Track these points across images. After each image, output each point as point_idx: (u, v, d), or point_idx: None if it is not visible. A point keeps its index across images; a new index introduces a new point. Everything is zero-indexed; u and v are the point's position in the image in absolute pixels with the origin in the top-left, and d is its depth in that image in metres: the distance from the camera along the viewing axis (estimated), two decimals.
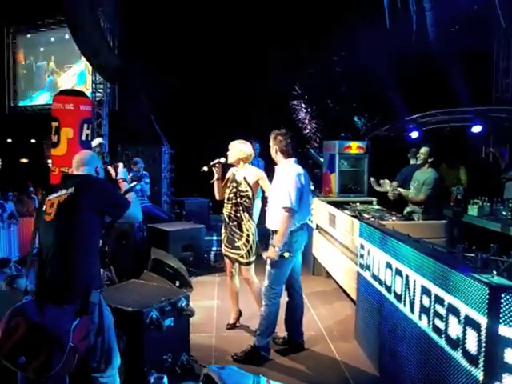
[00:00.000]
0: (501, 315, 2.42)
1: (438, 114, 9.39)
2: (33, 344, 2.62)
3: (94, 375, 2.88)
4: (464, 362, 2.69)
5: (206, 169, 4.89)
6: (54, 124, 8.69)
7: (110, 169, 3.25)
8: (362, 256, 4.61)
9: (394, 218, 5.54)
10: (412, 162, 7.35)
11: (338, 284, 6.06)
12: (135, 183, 3.36)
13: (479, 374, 2.53)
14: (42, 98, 12.36)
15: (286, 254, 4.28)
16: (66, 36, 10.99)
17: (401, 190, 6.15)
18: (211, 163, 4.86)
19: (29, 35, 12.90)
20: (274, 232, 4.36)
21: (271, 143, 4.55)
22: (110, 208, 2.95)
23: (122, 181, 3.23)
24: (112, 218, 3.03)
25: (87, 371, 2.86)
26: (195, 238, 7.49)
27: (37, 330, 2.63)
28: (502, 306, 2.42)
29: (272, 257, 4.27)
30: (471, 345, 2.62)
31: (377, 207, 6.67)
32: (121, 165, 3.36)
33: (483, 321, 2.52)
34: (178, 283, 5.94)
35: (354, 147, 7.60)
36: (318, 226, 6.94)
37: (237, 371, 3.46)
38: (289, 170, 4.39)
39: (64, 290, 2.74)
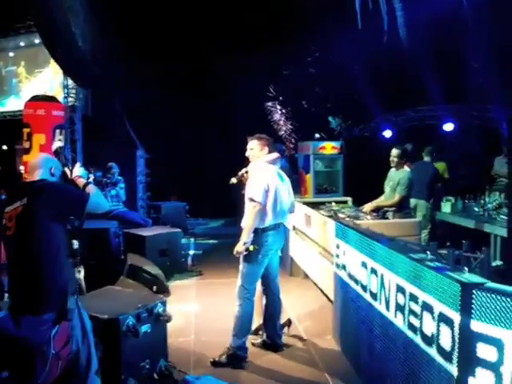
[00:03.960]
0: (473, 311, 2.46)
1: (411, 113, 9.54)
2: (14, 358, 2.58)
3: (74, 382, 2.84)
4: (439, 358, 2.72)
5: (234, 180, 4.75)
6: (26, 130, 8.57)
7: (66, 169, 3.20)
8: (337, 256, 4.63)
9: (368, 218, 5.60)
10: (426, 158, 7.69)
11: (315, 284, 6.09)
12: (92, 177, 3.30)
13: (453, 369, 2.57)
14: (12, 104, 12.14)
15: (251, 247, 4.32)
16: (36, 41, 10.82)
17: (374, 203, 6.09)
18: (239, 173, 4.71)
19: None
20: None
21: (258, 144, 4.54)
22: (67, 208, 2.86)
23: (77, 178, 3.15)
24: (76, 217, 2.98)
25: (70, 379, 2.81)
26: (172, 242, 7.45)
27: (16, 343, 2.59)
28: (473, 302, 2.45)
29: (239, 251, 4.32)
30: (445, 341, 2.65)
31: (352, 207, 6.73)
32: (77, 164, 3.31)
33: (456, 317, 2.56)
34: (155, 288, 5.89)
35: (329, 148, 7.67)
36: (294, 226, 6.96)
37: (213, 380, 3.45)
38: (260, 167, 4.46)
39: (38, 300, 2.70)
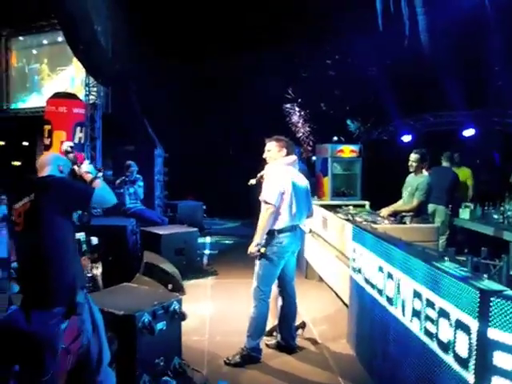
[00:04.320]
0: (490, 318, 2.43)
1: (430, 118, 9.46)
2: (24, 352, 2.62)
3: (89, 376, 2.86)
4: (455, 365, 2.70)
5: (253, 182, 4.81)
6: (47, 127, 8.71)
7: (75, 167, 3.24)
8: (354, 259, 4.62)
9: (386, 222, 5.56)
10: (445, 164, 7.57)
11: (330, 287, 6.07)
12: (101, 173, 3.33)
13: (470, 377, 2.55)
14: (34, 101, 12.30)
15: (263, 249, 4.34)
16: (59, 39, 10.96)
17: (391, 208, 6.07)
18: (258, 175, 4.74)
19: (21, 38, 12.86)
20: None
21: (276, 145, 4.54)
22: (73, 202, 2.91)
23: (85, 174, 3.18)
24: (82, 210, 3.03)
25: (82, 373, 2.84)
26: (188, 241, 7.48)
27: (26, 338, 2.63)
28: (491, 309, 2.43)
29: (252, 252, 4.35)
30: (462, 348, 2.63)
31: (369, 211, 6.69)
32: (86, 161, 3.35)
33: (474, 324, 2.53)
34: (170, 287, 5.91)
35: (347, 151, 7.64)
36: (310, 229, 6.94)
37: None
38: (275, 169, 4.45)
39: (47, 294, 2.74)
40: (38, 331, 2.63)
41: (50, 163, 3.06)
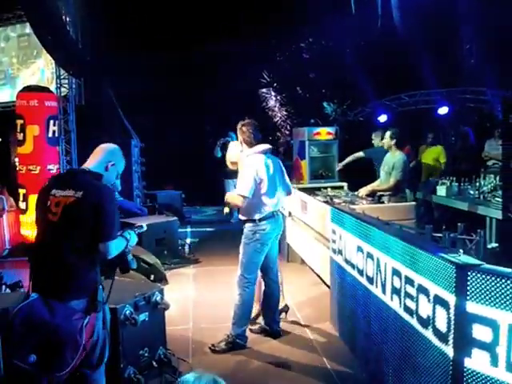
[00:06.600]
0: (468, 292, 2.47)
1: (406, 98, 9.52)
2: (45, 344, 2.57)
3: (85, 371, 2.80)
4: (435, 340, 2.74)
5: (227, 210, 5.07)
6: (19, 121, 8.52)
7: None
8: (334, 241, 4.65)
9: (364, 202, 5.61)
10: (376, 143, 7.38)
11: (312, 270, 6.11)
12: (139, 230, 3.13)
13: (450, 351, 2.59)
14: (5, 95, 12.02)
15: (226, 209, 4.85)
16: (27, 30, 10.71)
17: (369, 187, 6.18)
18: (219, 142, 4.98)
19: None
20: (244, 221, 4.48)
21: (238, 134, 4.61)
22: (94, 224, 2.69)
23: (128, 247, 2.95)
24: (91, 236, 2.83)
25: (83, 367, 2.80)
26: (169, 230, 7.46)
27: (49, 329, 2.57)
28: (468, 283, 2.47)
29: (228, 201, 4.60)
30: (441, 323, 2.67)
31: (347, 192, 6.74)
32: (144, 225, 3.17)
33: (451, 299, 2.57)
34: (152, 277, 5.89)
35: (324, 133, 7.66)
36: (290, 213, 6.97)
37: None
38: (249, 160, 4.45)
39: (70, 287, 2.68)
40: (61, 324, 2.58)
41: (102, 155, 2.93)
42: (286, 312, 5.09)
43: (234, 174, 4.94)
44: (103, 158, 2.93)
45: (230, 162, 4.98)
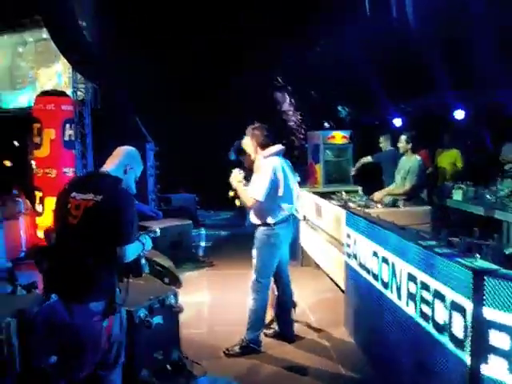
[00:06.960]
0: (485, 298, 2.44)
1: (420, 101, 9.46)
2: (66, 345, 2.59)
3: (102, 372, 2.82)
4: (451, 346, 2.71)
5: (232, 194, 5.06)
6: (36, 125, 8.64)
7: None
8: (348, 245, 4.62)
9: (379, 206, 5.57)
10: (384, 147, 7.36)
11: (326, 274, 6.09)
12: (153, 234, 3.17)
13: (466, 357, 2.56)
14: (23, 99, 12.18)
15: (231, 193, 4.76)
16: (44, 35, 10.83)
17: (384, 192, 6.14)
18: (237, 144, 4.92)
19: (5, 36, 12.70)
20: (257, 226, 4.44)
21: (249, 140, 4.52)
22: (112, 226, 2.71)
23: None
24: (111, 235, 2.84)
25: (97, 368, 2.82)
26: (183, 234, 7.49)
27: (70, 331, 2.59)
28: (485, 289, 2.44)
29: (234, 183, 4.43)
30: (457, 329, 2.64)
31: (362, 196, 6.70)
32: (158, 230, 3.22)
33: (468, 305, 2.54)
34: (166, 280, 5.91)
35: (338, 137, 7.63)
36: (304, 217, 6.95)
37: None
38: (267, 162, 4.39)
39: (89, 289, 2.69)
40: (81, 326, 2.60)
41: (121, 158, 2.94)
42: (295, 308, 5.03)
43: (247, 178, 4.89)
44: (122, 160, 2.94)
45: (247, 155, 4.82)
